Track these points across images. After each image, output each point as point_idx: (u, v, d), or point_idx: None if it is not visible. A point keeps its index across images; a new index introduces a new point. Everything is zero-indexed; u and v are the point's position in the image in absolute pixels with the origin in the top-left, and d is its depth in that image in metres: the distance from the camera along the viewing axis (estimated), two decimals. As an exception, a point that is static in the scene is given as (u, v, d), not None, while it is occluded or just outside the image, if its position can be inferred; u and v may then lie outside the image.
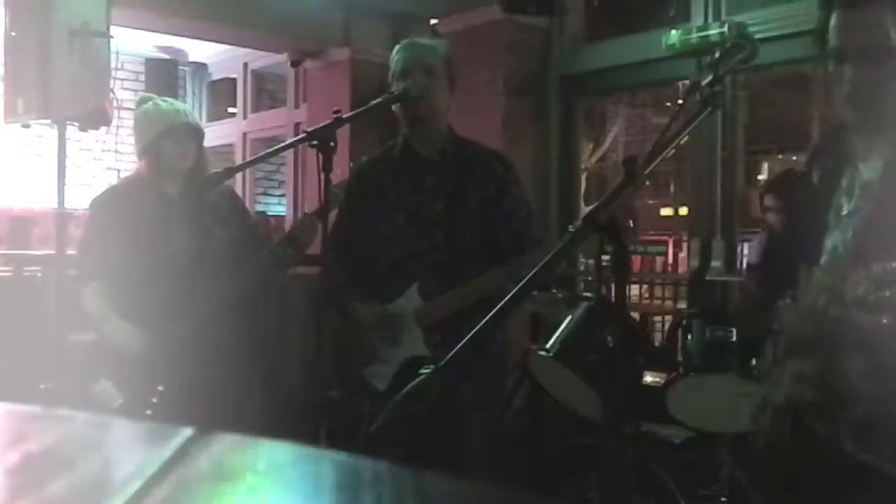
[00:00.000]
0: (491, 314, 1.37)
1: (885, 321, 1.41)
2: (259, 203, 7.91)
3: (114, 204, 2.90)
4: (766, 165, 9.51)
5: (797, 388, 1.67)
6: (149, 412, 2.69)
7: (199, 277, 2.80)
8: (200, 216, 2.89)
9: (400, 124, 2.66)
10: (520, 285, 1.37)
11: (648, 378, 3.23)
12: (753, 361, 2.70)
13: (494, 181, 2.60)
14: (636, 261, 5.71)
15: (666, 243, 7.14)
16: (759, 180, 8.70)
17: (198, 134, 2.95)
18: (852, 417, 1.67)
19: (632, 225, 1.35)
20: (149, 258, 2.80)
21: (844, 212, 1.71)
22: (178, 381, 2.74)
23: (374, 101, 2.49)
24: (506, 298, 1.36)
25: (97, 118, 3.22)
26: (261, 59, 7.02)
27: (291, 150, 6.08)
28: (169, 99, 3.04)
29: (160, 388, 2.74)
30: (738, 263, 4.49)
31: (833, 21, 1.65)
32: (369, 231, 2.64)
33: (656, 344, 3.06)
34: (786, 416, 1.74)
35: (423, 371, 1.41)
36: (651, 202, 9.23)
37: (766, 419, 1.79)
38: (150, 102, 2.97)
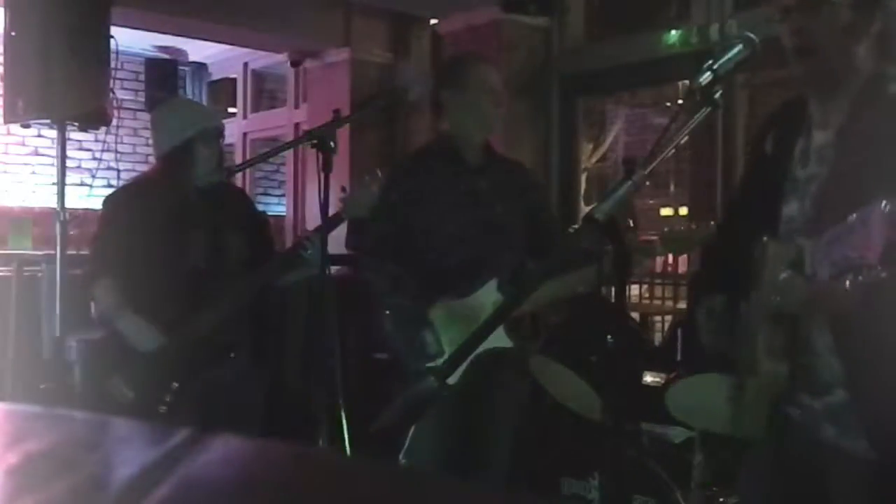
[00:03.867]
0: (490, 319, 1.37)
1: (847, 284, 1.38)
2: (259, 203, 7.91)
3: (127, 202, 2.88)
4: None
5: (769, 363, 1.65)
6: (163, 409, 2.67)
7: (211, 279, 2.80)
8: (215, 217, 2.89)
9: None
10: (519, 287, 1.37)
11: (648, 378, 3.23)
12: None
13: (534, 189, 2.81)
14: (636, 261, 5.71)
15: (666, 243, 7.14)
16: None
17: (223, 135, 2.96)
18: (830, 403, 1.66)
19: (632, 225, 1.35)
20: (162, 258, 2.79)
21: (800, 178, 1.71)
22: (192, 379, 2.72)
23: (373, 102, 2.53)
24: (499, 307, 1.36)
25: (97, 118, 3.23)
26: (261, 59, 7.02)
27: (291, 150, 6.08)
28: (195, 101, 3.06)
29: (175, 384, 2.71)
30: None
31: None
32: (416, 229, 2.68)
33: (656, 344, 3.06)
34: (761, 404, 1.72)
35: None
36: (651, 202, 9.21)
37: (741, 408, 1.77)
38: (180, 103, 2.97)
